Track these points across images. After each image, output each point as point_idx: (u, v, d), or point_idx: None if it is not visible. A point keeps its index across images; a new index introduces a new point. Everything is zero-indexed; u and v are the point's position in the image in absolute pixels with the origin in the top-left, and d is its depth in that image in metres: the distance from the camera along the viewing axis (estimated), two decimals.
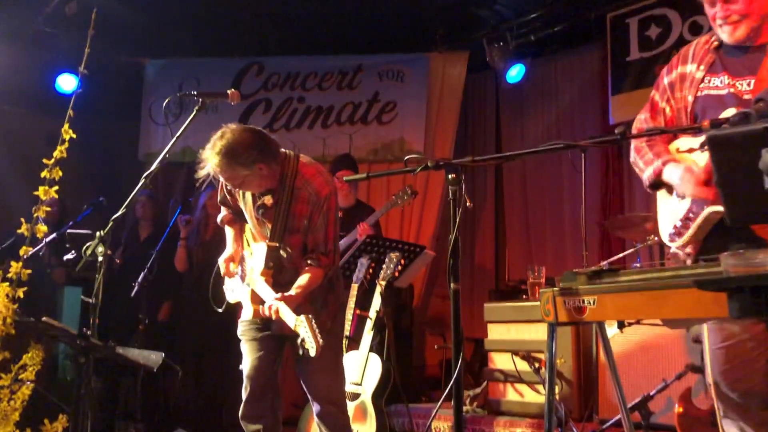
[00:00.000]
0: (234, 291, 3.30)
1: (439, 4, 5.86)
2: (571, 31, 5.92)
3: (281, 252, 3.04)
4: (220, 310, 3.31)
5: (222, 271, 3.23)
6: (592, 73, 6.07)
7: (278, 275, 3.09)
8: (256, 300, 3.07)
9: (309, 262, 3.02)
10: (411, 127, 6.31)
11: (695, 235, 2.26)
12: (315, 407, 3.20)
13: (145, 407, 5.35)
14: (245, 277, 3.23)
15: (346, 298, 3.41)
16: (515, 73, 6.22)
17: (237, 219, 3.30)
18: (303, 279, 2.99)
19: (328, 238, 3.04)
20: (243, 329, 3.23)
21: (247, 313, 3.22)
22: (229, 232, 3.30)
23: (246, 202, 3.14)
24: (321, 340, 2.71)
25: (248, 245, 3.29)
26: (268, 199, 3.03)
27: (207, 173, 2.91)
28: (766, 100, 1.85)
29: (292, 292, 2.93)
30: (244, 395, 3.16)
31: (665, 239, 2.37)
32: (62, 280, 5.71)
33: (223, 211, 3.33)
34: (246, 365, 3.20)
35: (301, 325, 2.75)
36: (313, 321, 2.74)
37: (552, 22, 5.80)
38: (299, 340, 2.76)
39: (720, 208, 2.11)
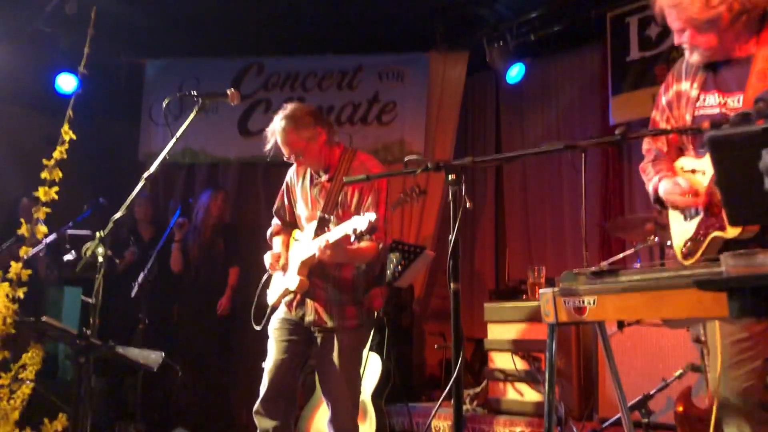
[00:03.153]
0: (276, 285, 3.37)
1: (439, 4, 5.84)
2: (571, 31, 5.90)
3: (331, 225, 3.15)
4: (258, 328, 3.37)
5: (267, 263, 3.35)
6: (592, 73, 6.06)
7: None
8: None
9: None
10: (411, 127, 6.30)
11: (704, 255, 2.27)
12: (329, 412, 3.24)
13: (145, 407, 5.36)
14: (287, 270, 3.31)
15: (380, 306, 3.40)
16: (515, 73, 6.20)
17: (285, 230, 3.48)
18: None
19: (379, 216, 3.13)
20: (275, 327, 3.30)
21: (281, 312, 3.31)
22: (277, 238, 3.49)
23: (304, 187, 3.33)
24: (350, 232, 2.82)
25: (294, 240, 3.39)
26: (324, 177, 3.27)
27: (272, 145, 3.19)
28: (766, 100, 1.85)
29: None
30: (261, 392, 3.22)
31: (680, 258, 2.39)
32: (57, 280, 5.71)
33: (274, 225, 3.51)
34: (268, 363, 3.26)
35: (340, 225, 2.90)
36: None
37: (552, 21, 5.78)
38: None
39: (721, 234, 2.15)
